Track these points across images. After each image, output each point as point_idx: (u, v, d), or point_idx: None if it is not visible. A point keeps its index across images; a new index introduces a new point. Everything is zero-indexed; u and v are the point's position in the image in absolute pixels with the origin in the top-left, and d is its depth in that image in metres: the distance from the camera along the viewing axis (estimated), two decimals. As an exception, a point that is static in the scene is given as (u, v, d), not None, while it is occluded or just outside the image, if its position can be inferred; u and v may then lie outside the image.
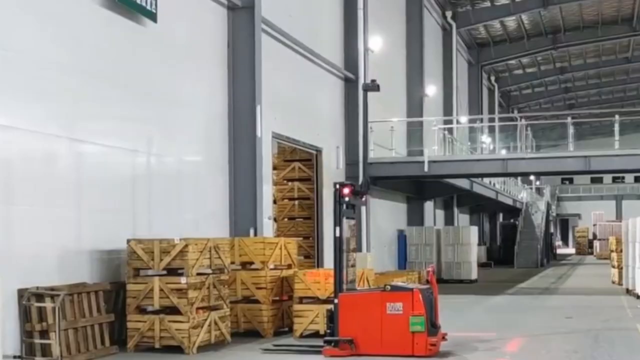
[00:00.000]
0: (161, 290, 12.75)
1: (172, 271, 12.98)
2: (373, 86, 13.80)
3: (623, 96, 64.11)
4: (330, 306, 12.75)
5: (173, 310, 12.79)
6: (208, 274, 13.21)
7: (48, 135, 12.27)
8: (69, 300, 11.87)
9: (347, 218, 12.90)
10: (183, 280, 12.67)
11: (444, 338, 12.51)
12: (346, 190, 12.72)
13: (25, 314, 11.38)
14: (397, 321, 11.91)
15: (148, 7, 14.51)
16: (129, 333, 12.94)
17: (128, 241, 13.04)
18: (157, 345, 12.76)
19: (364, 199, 13.60)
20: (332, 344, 12.28)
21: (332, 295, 14.40)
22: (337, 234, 12.53)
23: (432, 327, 12.03)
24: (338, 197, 12.69)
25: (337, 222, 12.60)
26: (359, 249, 25.03)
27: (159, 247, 12.82)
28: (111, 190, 13.75)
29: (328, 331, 12.62)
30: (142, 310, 13.01)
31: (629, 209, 63.53)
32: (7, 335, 10.89)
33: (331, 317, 12.48)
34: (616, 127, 26.57)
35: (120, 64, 14.09)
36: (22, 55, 11.71)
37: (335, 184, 12.98)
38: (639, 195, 74.00)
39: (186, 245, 12.72)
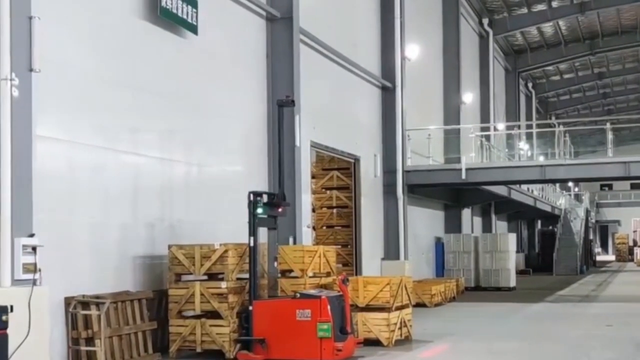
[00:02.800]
0: (202, 294, 12.99)
1: (212, 276, 13.25)
2: (287, 101, 14.24)
3: (663, 101, 63.43)
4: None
5: (214, 314, 13.02)
6: (246, 279, 13.30)
7: (93, 147, 12.54)
8: (113, 308, 12.12)
9: (269, 228, 13.47)
10: (223, 284, 12.89)
11: (358, 343, 13.13)
12: (259, 200, 13.11)
13: (71, 322, 11.65)
14: (305, 327, 12.37)
15: (189, 20, 14.76)
16: (171, 338, 13.17)
17: (169, 247, 13.29)
18: (198, 350, 13.01)
19: (281, 210, 13.77)
20: (247, 349, 12.74)
21: (371, 302, 14.69)
22: (252, 244, 12.85)
23: (341, 333, 12.45)
24: (252, 207, 13.01)
25: (251, 232, 12.90)
26: (396, 256, 25.16)
27: (200, 252, 13.07)
28: (154, 200, 14.01)
29: (243, 331, 12.95)
30: (183, 315, 13.25)
31: (670, 215, 62.84)
32: (54, 342, 11.15)
33: (247, 318, 12.83)
34: (656, 133, 26.31)
35: (162, 76, 14.36)
36: (67, 69, 12.00)
37: (249, 194, 13.18)
38: (679, 201, 73.10)
39: (226, 250, 12.95)
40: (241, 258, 13.24)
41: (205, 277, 13.24)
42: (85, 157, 12.40)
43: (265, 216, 13.26)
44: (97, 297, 11.85)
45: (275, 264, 13.73)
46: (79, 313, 11.65)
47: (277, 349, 12.54)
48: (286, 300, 12.99)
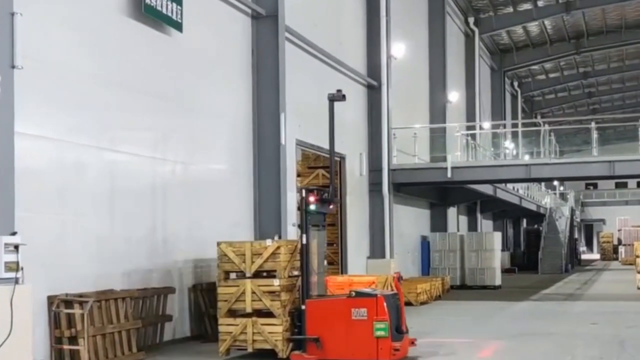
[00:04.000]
0: (253, 292, 12.67)
1: (258, 274, 12.85)
2: (338, 96, 14.02)
3: (647, 100, 63.73)
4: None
5: (264, 313, 12.72)
6: (297, 276, 13.02)
7: (77, 144, 12.47)
8: (97, 306, 12.05)
9: (318, 227, 13.07)
10: (276, 282, 12.58)
11: (412, 343, 12.68)
12: (311, 198, 12.77)
13: (54, 320, 11.57)
14: (361, 326, 12.06)
15: (174, 17, 14.70)
16: (221, 337, 12.87)
17: (218, 244, 13.06)
18: (249, 349, 12.77)
19: (331, 207, 13.53)
20: (301, 349, 12.44)
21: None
22: (304, 242, 12.55)
23: (397, 332, 12.17)
24: (304, 204, 12.71)
25: (303, 230, 12.63)
26: (382, 255, 25.15)
27: (251, 249, 12.77)
28: (138, 198, 13.95)
29: (296, 330, 12.67)
30: (232, 313, 12.92)
31: (655, 214, 63.14)
32: (37, 341, 11.07)
33: (299, 317, 12.55)
34: (641, 132, 26.43)
35: (147, 73, 14.29)
36: (51, 66, 11.92)
37: (301, 189, 12.94)
38: (664, 201, 73.43)
39: (278, 247, 12.67)
40: (292, 255, 12.92)
41: (250, 275, 12.84)
42: (68, 155, 12.32)
43: (314, 213, 12.87)
44: (81, 295, 11.79)
45: (325, 262, 13.30)
46: (62, 312, 11.58)
47: (331, 349, 12.24)
48: (341, 299, 12.62)
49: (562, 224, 49.73)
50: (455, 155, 28.33)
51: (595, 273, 44.07)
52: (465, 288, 30.26)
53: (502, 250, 39.54)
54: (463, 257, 31.18)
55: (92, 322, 11.86)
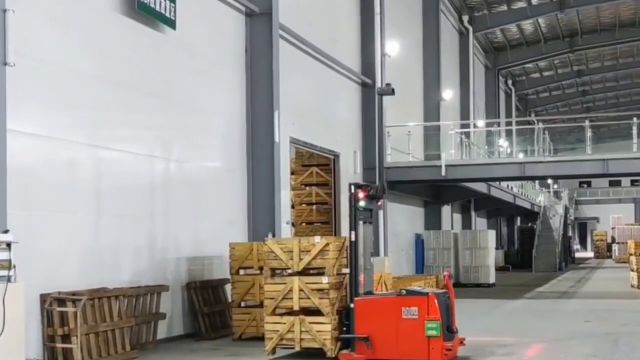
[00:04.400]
0: (301, 290, 12.41)
1: (304, 271, 12.62)
2: (387, 90, 13.67)
3: (641, 99, 63.84)
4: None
5: (312, 311, 12.46)
6: (345, 274, 12.75)
7: (70, 142, 12.43)
8: (90, 304, 12.02)
9: (364, 222, 12.72)
10: (325, 280, 12.32)
11: (461, 343, 12.36)
12: (361, 194, 12.53)
13: (47, 319, 11.52)
14: (412, 326, 11.77)
15: (167, 15, 14.65)
16: (267, 335, 12.65)
17: (265, 240, 12.91)
18: (297, 348, 12.50)
19: (380, 203, 13.29)
20: (349, 349, 12.17)
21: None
22: (353, 239, 12.30)
23: (448, 331, 11.88)
24: (353, 200, 12.50)
25: (352, 226, 12.37)
26: (376, 253, 25.08)
27: (299, 246, 12.56)
28: (132, 196, 13.91)
29: (344, 329, 12.39)
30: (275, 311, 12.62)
31: (648, 212, 63.24)
32: (30, 339, 11.02)
33: (347, 315, 12.27)
34: (634, 130, 26.41)
35: (141, 71, 14.25)
36: (44, 64, 11.87)
37: (350, 185, 12.67)
38: (658, 199, 73.60)
39: (327, 244, 12.43)
40: (340, 252, 12.67)
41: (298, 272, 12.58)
42: (62, 152, 12.27)
43: (361, 210, 12.60)
44: (74, 293, 11.74)
45: (372, 259, 13.01)
46: (55, 310, 11.53)
47: (380, 348, 11.93)
48: (391, 297, 12.32)
49: (556, 222, 49.81)
50: (450, 154, 28.33)
51: (589, 271, 44.13)
52: (459, 286, 30.22)
53: (496, 248, 39.58)
54: (457, 255, 31.20)
55: (85, 321, 11.82)
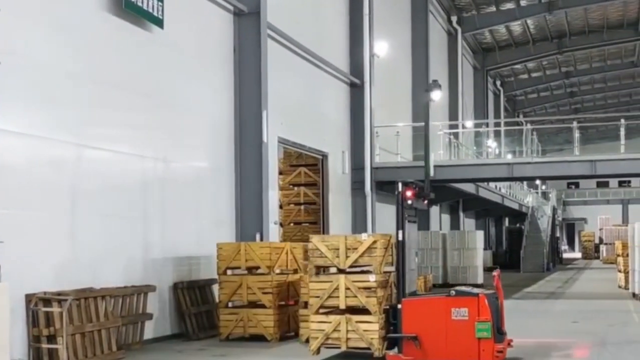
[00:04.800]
0: (347, 288, 12.14)
1: (348, 269, 12.34)
2: (435, 85, 13.45)
3: (629, 100, 63.98)
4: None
5: (357, 310, 12.22)
6: (390, 272, 12.53)
7: (56, 141, 12.35)
8: (76, 305, 11.94)
9: (409, 222, 12.53)
10: (372, 278, 12.05)
11: (509, 344, 12.02)
12: (409, 193, 12.22)
13: (32, 319, 11.44)
14: (462, 327, 11.45)
15: (155, 14, 14.59)
16: (312, 335, 12.44)
17: (310, 238, 12.65)
18: (343, 347, 12.29)
19: (425, 201, 12.95)
20: (396, 349, 11.91)
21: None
22: (400, 238, 11.99)
23: (499, 333, 11.58)
24: (400, 199, 12.18)
25: (400, 225, 12.04)
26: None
27: (345, 244, 12.28)
28: (119, 196, 13.83)
29: (391, 328, 12.11)
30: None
31: (635, 213, 63.52)
32: (15, 340, 10.94)
33: (394, 315, 12.00)
34: (622, 132, 26.54)
35: (128, 70, 14.18)
36: (31, 63, 11.80)
37: (397, 183, 12.30)
38: (645, 200, 73.84)
39: (375, 242, 12.17)
40: (386, 250, 12.40)
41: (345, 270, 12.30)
42: (48, 151, 12.20)
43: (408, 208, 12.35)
44: (59, 294, 11.66)
45: (416, 259, 12.90)
46: (40, 310, 11.44)
47: (429, 350, 11.62)
48: (440, 297, 11.96)
49: (544, 223, 49.90)
50: (438, 154, 28.34)
51: (576, 272, 44.23)
52: (448, 286, 30.13)
53: (485, 248, 39.54)
54: (445, 256, 31.18)
55: (71, 321, 11.74)
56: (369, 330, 12.05)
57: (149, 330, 14.46)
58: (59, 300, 11.53)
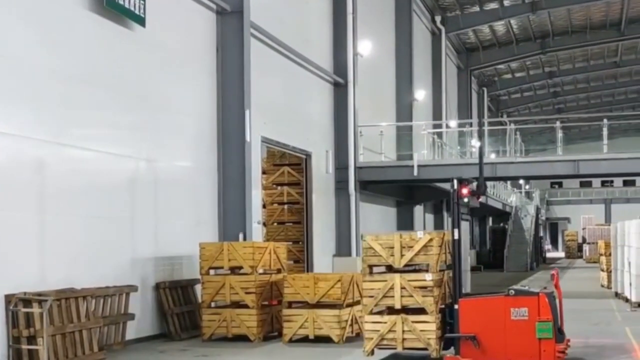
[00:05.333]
0: (402, 287, 11.96)
1: (403, 268, 12.18)
2: (489, 82, 13.16)
3: (611, 100, 64.34)
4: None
5: (413, 310, 12.08)
6: (444, 271, 12.31)
7: (37, 140, 12.24)
8: (56, 305, 11.83)
9: (463, 220, 12.14)
10: (429, 277, 11.85)
11: (567, 345, 11.67)
12: (464, 190, 11.88)
13: (12, 320, 11.32)
14: (522, 327, 11.17)
15: (137, 12, 14.49)
16: (366, 335, 12.29)
17: (363, 236, 12.50)
18: (399, 348, 12.10)
19: (479, 199, 12.54)
20: (452, 350, 11.69)
21: (322, 299, 14.40)
22: (456, 237, 11.69)
23: (559, 333, 11.33)
24: (456, 197, 11.84)
25: (455, 223, 11.77)
26: (348, 253, 25.09)
27: (400, 242, 12.09)
28: (100, 195, 13.72)
29: (447, 328, 11.91)
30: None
31: (618, 213, 63.73)
32: (-6, 341, 10.85)
33: (450, 314, 11.77)
34: (605, 132, 26.65)
35: (109, 68, 14.07)
36: (11, 61, 11.69)
37: (452, 180, 11.89)
38: (627, 199, 74.17)
39: (431, 240, 11.98)
40: (440, 248, 12.18)
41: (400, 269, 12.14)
42: (28, 151, 12.08)
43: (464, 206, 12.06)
44: (40, 294, 11.55)
45: (469, 258, 12.59)
46: (20, 311, 11.34)
47: (488, 350, 11.32)
48: (498, 297, 11.58)
49: (528, 223, 50.05)
50: (422, 154, 28.36)
51: (560, 271, 44.35)
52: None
53: (469, 248, 39.66)
54: (429, 255, 31.12)
55: (51, 322, 11.64)
56: (426, 330, 11.89)
57: (131, 331, 14.36)
58: (39, 301, 11.42)
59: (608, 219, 67.48)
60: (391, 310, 12.21)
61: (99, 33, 13.80)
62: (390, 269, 12.29)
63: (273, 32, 20.37)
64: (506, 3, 39.40)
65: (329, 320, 14.39)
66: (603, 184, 77.34)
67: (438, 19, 39.36)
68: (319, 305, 14.55)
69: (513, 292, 11.42)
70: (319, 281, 14.66)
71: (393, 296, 12.04)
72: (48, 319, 11.46)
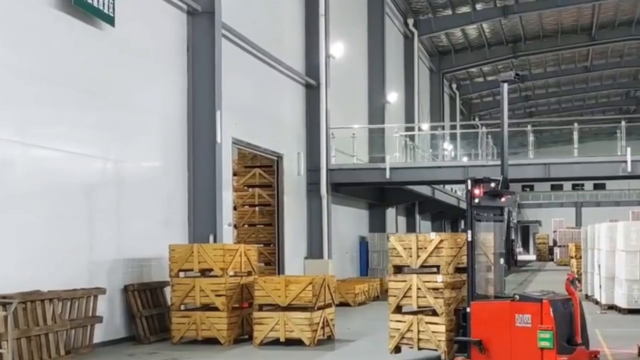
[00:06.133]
0: (419, 288, 12.08)
1: (425, 269, 12.34)
2: (510, 76, 12.50)
3: (582, 104, 64.85)
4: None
5: (430, 311, 12.23)
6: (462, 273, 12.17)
7: (1, 139, 12.00)
8: (21, 308, 11.62)
9: (494, 221, 11.86)
10: (439, 278, 11.92)
11: (595, 357, 10.82)
12: (477, 191, 11.41)
13: (-24, 323, 11.12)
14: (525, 335, 10.57)
15: (105, 11, 14.30)
16: (390, 334, 12.49)
17: (388, 236, 12.46)
18: (415, 348, 12.27)
19: (504, 199, 11.84)
20: (465, 353, 11.35)
21: (294, 302, 14.32)
22: (469, 238, 11.33)
23: (569, 344, 10.48)
24: (469, 198, 11.40)
25: (469, 224, 11.37)
26: (320, 255, 24.98)
27: (416, 243, 12.16)
28: (67, 196, 13.52)
29: (461, 331, 11.67)
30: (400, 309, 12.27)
31: (588, 216, 64.22)
32: (-43, 344, 10.62)
33: (464, 317, 11.50)
34: (575, 135, 26.82)
35: (77, 68, 13.87)
36: (-26, 58, 11.48)
37: (467, 181, 11.43)
38: (598, 202, 74.81)
39: (441, 241, 12.01)
40: (459, 250, 12.08)
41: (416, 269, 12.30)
42: (-8, 150, 11.87)
43: (481, 207, 11.53)
44: (4, 297, 11.34)
45: (501, 260, 11.74)
46: (-16, 314, 11.13)
47: (493, 356, 10.91)
48: (505, 302, 11.05)
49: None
50: (394, 156, 28.34)
51: (531, 274, 44.55)
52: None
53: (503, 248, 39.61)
54: (401, 258, 31.12)
55: (16, 325, 11.43)
56: (437, 332, 12.01)
57: (99, 334, 14.15)
58: (4, 304, 11.21)
59: (579, 222, 67.97)
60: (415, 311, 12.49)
61: (67, 32, 13.60)
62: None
63: (244, 33, 20.23)
64: (478, 7, 39.51)
65: (300, 323, 14.30)
66: (574, 187, 77.84)
67: (411, 22, 39.40)
68: (290, 307, 14.45)
69: (518, 297, 10.90)
70: (290, 284, 14.56)
71: (411, 296, 12.26)
72: (13, 322, 11.24)
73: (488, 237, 11.92)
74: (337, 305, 16.27)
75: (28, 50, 12.63)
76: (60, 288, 12.94)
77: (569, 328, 10.54)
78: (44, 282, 12.64)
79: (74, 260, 13.66)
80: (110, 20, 14.50)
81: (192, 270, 14.99)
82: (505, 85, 12.44)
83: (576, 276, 11.20)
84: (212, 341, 14.63)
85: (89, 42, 14.18)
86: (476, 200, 11.38)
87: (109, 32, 14.62)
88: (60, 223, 13.31)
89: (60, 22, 13.40)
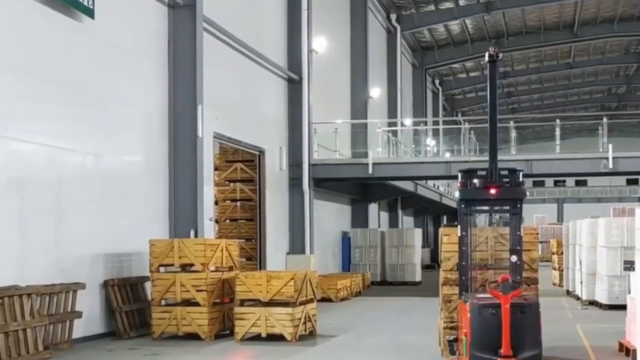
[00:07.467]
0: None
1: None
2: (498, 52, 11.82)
3: (565, 101, 65.07)
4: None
5: None
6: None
7: (-22, 132, 11.88)
8: (-1, 303, 11.49)
9: (500, 216, 11.75)
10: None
11: None
12: (459, 184, 10.97)
13: (-48, 318, 10.99)
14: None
15: (85, 3, 14.14)
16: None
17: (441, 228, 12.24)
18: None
19: (494, 191, 11.02)
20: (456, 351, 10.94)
21: (275, 297, 14.23)
22: (459, 233, 10.97)
23: (494, 354, 9.53)
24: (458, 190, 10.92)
25: (460, 218, 10.89)
26: (302, 250, 24.92)
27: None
28: (47, 190, 13.38)
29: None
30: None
31: (570, 212, 64.49)
32: None
33: None
34: (557, 132, 26.88)
35: (56, 60, 13.71)
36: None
37: (459, 172, 10.99)
38: (579, 199, 75.21)
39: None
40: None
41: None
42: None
43: (480, 200, 10.98)
44: (-19, 292, 11.20)
45: (513, 257, 10.69)
46: (-40, 309, 10.99)
47: (460, 358, 10.54)
48: (461, 301, 10.68)
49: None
50: (377, 152, 28.31)
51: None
52: (386, 284, 30.28)
53: (423, 246, 39.73)
54: (384, 253, 31.19)
55: (-7, 320, 11.29)
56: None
57: (79, 329, 14.01)
58: (-19, 299, 11.08)
59: (560, 218, 68.33)
60: None
61: (45, 24, 13.43)
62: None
63: (226, 27, 20.10)
64: (461, 3, 39.53)
65: (281, 319, 14.22)
66: (556, 183, 78.21)
67: (393, 17, 39.36)
68: (271, 303, 14.36)
69: (463, 298, 10.54)
70: (272, 279, 14.48)
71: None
72: (-10, 317, 11.12)
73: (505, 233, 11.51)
74: (319, 301, 16.21)
75: (6, 42, 12.47)
76: (39, 283, 12.80)
77: (498, 336, 9.44)
78: (22, 276, 12.50)
79: (53, 254, 13.52)
80: (90, 13, 14.34)
81: (172, 265, 14.89)
82: (493, 66, 11.75)
83: (519, 278, 10.39)
84: (193, 336, 14.53)
85: (67, 35, 14.01)
86: (458, 194, 11.00)
87: (89, 25, 14.46)
88: (40, 217, 13.17)
89: (38, 13, 13.23)
